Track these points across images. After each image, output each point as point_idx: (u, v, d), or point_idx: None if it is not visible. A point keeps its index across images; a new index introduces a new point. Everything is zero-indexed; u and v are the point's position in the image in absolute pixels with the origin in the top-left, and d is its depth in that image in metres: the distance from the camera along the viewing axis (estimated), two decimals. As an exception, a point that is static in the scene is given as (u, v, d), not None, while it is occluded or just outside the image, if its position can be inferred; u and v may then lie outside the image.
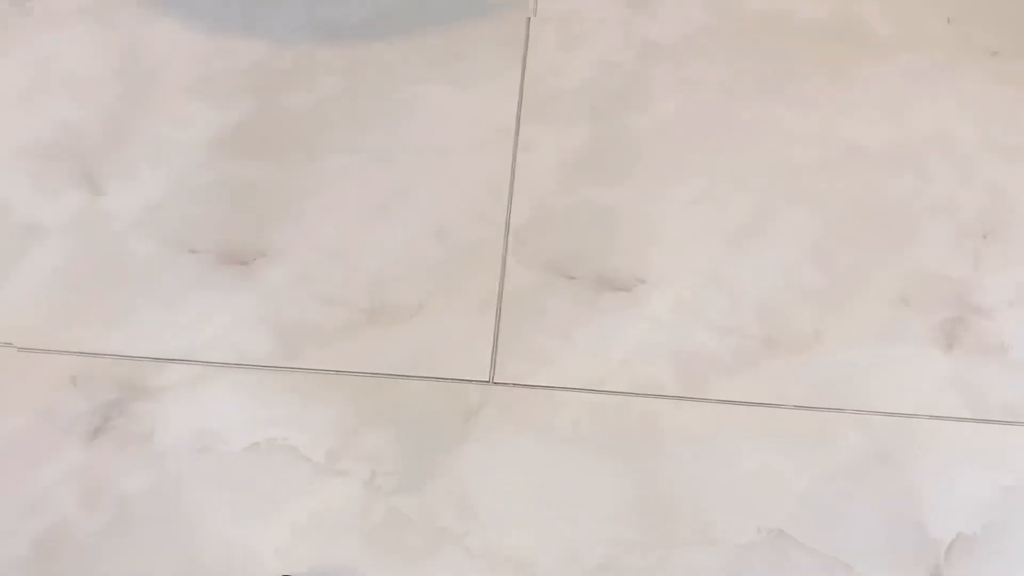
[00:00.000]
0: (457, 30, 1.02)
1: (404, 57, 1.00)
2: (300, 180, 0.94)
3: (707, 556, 0.77)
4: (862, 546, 0.77)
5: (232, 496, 0.80)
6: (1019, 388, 0.83)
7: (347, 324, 0.87)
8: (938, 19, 1.01)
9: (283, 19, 1.03)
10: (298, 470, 0.81)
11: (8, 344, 0.85)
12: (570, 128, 0.96)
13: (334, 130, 0.96)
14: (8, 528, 0.78)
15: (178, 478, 0.81)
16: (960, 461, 0.80)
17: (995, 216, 0.91)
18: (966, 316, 0.86)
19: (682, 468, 0.80)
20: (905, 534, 0.78)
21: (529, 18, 1.02)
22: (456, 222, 0.91)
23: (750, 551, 0.77)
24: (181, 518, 0.79)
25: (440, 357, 0.85)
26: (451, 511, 0.79)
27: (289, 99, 0.98)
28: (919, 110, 0.96)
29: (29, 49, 1.01)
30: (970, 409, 0.82)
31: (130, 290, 0.88)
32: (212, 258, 0.90)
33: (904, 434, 0.81)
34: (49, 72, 1.00)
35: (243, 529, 0.79)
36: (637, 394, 0.83)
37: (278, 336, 0.86)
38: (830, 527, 0.78)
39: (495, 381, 0.84)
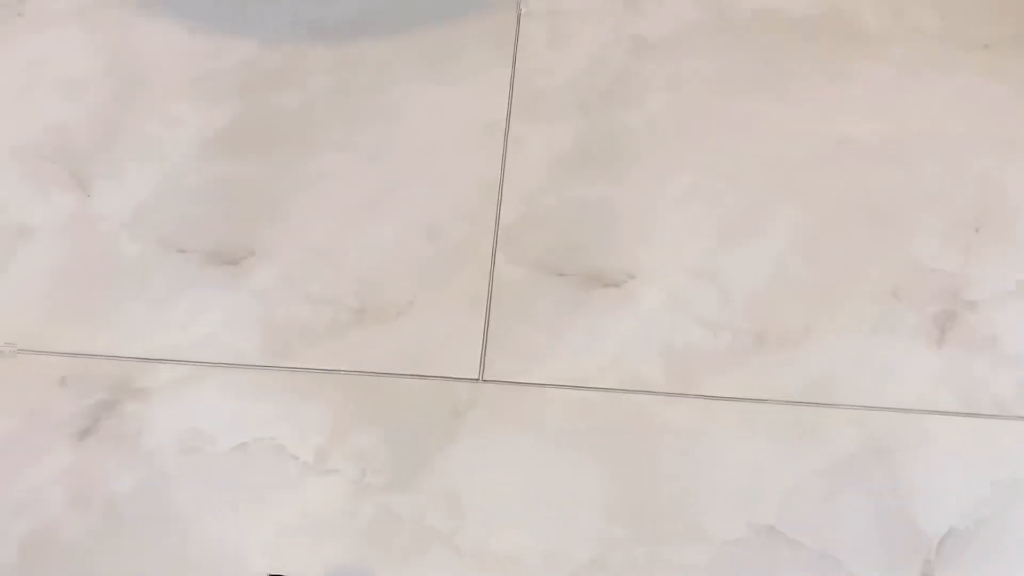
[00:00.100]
0: (447, 28, 1.01)
1: (393, 55, 1.00)
2: (289, 179, 0.93)
3: (697, 552, 0.77)
4: (853, 541, 0.77)
5: (221, 496, 0.80)
6: (1010, 382, 0.83)
7: (336, 323, 0.87)
8: (929, 13, 1.01)
9: (272, 18, 1.02)
10: (287, 469, 0.81)
11: (-4, 345, 0.86)
12: (560, 125, 0.96)
13: (324, 129, 0.96)
14: (-4, 529, 0.78)
15: (167, 478, 0.80)
16: (952, 455, 0.80)
17: (987, 210, 0.90)
18: (957, 310, 0.86)
19: (672, 464, 0.80)
20: (896, 529, 0.77)
21: (519, 15, 1.02)
22: (446, 220, 0.91)
23: (740, 547, 0.77)
24: (170, 518, 0.79)
25: (429, 355, 0.85)
26: (440, 509, 0.79)
27: (278, 98, 0.98)
28: (910, 104, 0.96)
29: (20, 50, 1.01)
30: (961, 403, 0.82)
31: (119, 290, 0.88)
32: (201, 258, 0.90)
33: (895, 429, 0.81)
34: (40, 73, 1.00)
35: (232, 529, 0.78)
36: (627, 391, 0.83)
37: (267, 335, 0.86)
38: (821, 523, 0.77)
39: (484, 379, 0.84)
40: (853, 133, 0.94)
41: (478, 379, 0.84)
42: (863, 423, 0.81)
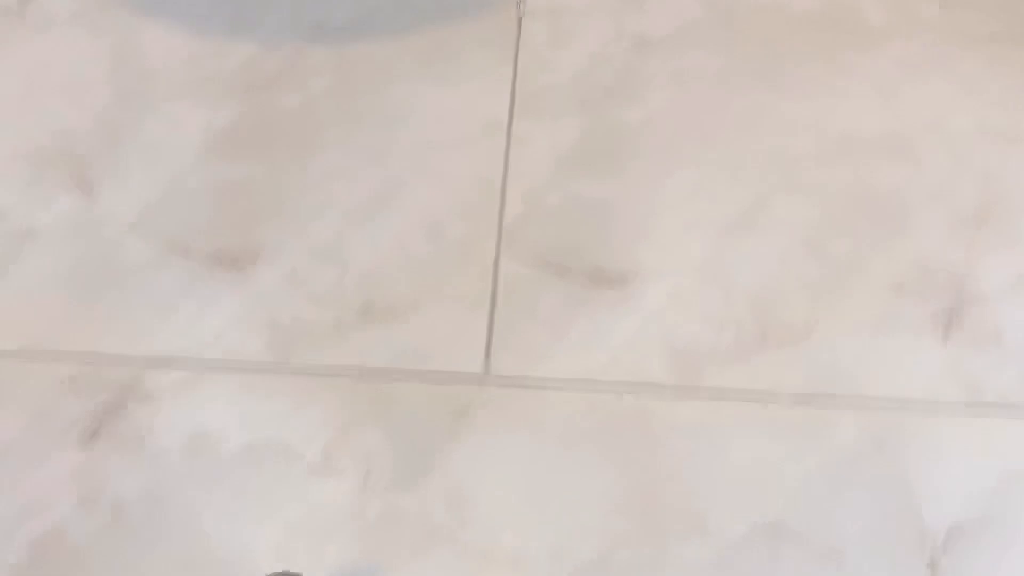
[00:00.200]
0: (447, 27, 1.02)
1: (394, 55, 1.00)
2: (292, 180, 0.94)
3: (701, 549, 0.77)
4: (858, 536, 0.77)
5: (228, 497, 0.80)
6: (1015, 375, 0.82)
7: (341, 323, 0.87)
8: (931, 6, 1.01)
9: (272, 20, 1.03)
10: (293, 470, 0.81)
11: (1, 349, 0.86)
12: (562, 123, 0.96)
13: (325, 129, 0.96)
14: (4, 531, 0.78)
15: (174, 479, 0.81)
16: (957, 450, 0.80)
17: (991, 203, 0.90)
18: (962, 304, 0.86)
19: (676, 461, 0.80)
20: (902, 524, 0.77)
21: (520, 14, 1.02)
22: (448, 219, 0.91)
23: (745, 543, 0.77)
24: (177, 519, 0.79)
25: (434, 354, 0.85)
26: (446, 507, 0.79)
27: (280, 99, 0.98)
28: (913, 97, 0.96)
29: (21, 54, 1.01)
30: (966, 397, 0.82)
31: (125, 292, 0.89)
32: (205, 259, 0.90)
33: (900, 423, 0.81)
34: (42, 76, 1.00)
35: (240, 529, 0.79)
36: (631, 387, 0.83)
37: (272, 336, 0.86)
38: (825, 518, 0.77)
39: (489, 378, 0.84)
40: (856, 128, 0.94)
41: (483, 378, 0.84)
42: (868, 418, 0.81)
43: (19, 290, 0.89)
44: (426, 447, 0.81)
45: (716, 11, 1.02)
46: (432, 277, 0.89)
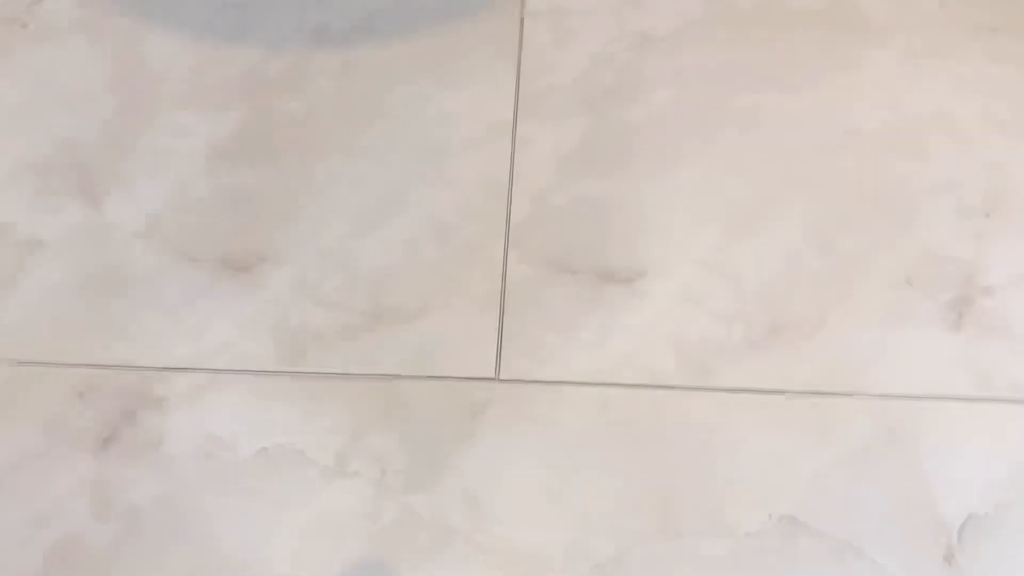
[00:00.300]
0: (449, 30, 1.02)
1: (397, 58, 1.00)
2: (298, 185, 0.94)
3: (718, 544, 0.77)
4: (874, 529, 0.77)
5: (242, 502, 0.80)
6: (1027, 365, 0.83)
7: (350, 327, 0.87)
8: (932, -1, 1.01)
9: (274, 25, 1.03)
10: (307, 474, 0.81)
11: (13, 359, 0.86)
12: (567, 123, 0.96)
13: (330, 134, 0.96)
14: (20, 540, 0.78)
15: (188, 486, 0.81)
16: (970, 441, 0.80)
17: (997, 194, 0.90)
18: (972, 295, 0.86)
19: (690, 457, 0.80)
20: (917, 516, 0.77)
21: (522, 15, 1.02)
22: (455, 221, 0.91)
23: (761, 538, 0.77)
24: (192, 526, 0.79)
25: (445, 356, 0.85)
26: (461, 508, 0.79)
27: (284, 104, 0.98)
28: (917, 91, 0.96)
29: (24, 65, 1.02)
30: (978, 388, 0.82)
31: (133, 301, 0.89)
32: (213, 266, 0.90)
33: (913, 416, 0.81)
34: (45, 86, 1.00)
35: (254, 534, 0.79)
36: (643, 385, 0.83)
37: (282, 341, 0.86)
38: (841, 511, 0.78)
39: (500, 378, 0.84)
40: (861, 122, 0.94)
41: (494, 378, 0.84)
42: (880, 411, 0.81)
43: (29, 301, 0.89)
44: (439, 449, 0.81)
45: (717, 8, 1.02)
46: (441, 279, 0.89)
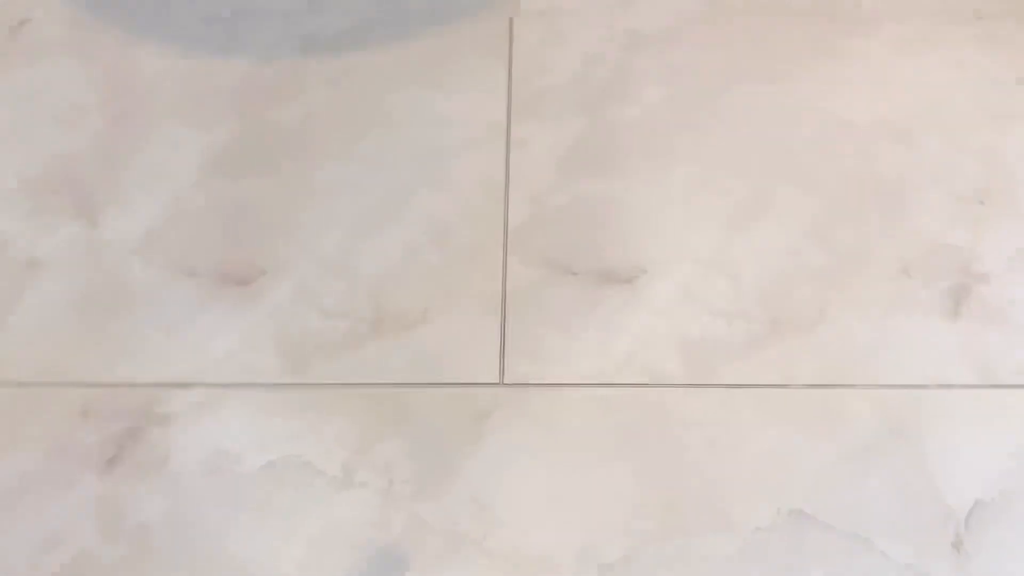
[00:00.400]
0: (440, 34, 1.02)
1: (388, 64, 1.00)
2: (294, 194, 0.94)
3: (726, 541, 0.77)
4: (882, 521, 0.77)
5: (251, 515, 0.80)
6: (1026, 351, 0.83)
7: (353, 335, 0.87)
8: (920, -12, 1.01)
9: (264, 35, 1.02)
10: (315, 485, 0.81)
11: (14, 381, 0.86)
12: (561, 123, 0.96)
13: (324, 142, 0.96)
14: (29, 564, 0.78)
15: (196, 501, 0.81)
16: (973, 428, 0.80)
17: (990, 180, 0.91)
18: (969, 283, 0.86)
19: (696, 455, 0.81)
20: (923, 505, 0.78)
21: (511, 17, 1.02)
22: (454, 225, 0.91)
23: (769, 533, 0.77)
24: (201, 541, 0.79)
25: (448, 362, 0.85)
26: (470, 514, 0.79)
27: (277, 114, 0.98)
28: (907, 80, 0.96)
29: (14, 82, 1.01)
30: (980, 376, 0.82)
31: (134, 317, 0.88)
32: (213, 280, 0.90)
33: (915, 405, 0.81)
34: (37, 104, 1.00)
35: (264, 547, 0.79)
36: (646, 385, 0.83)
37: (285, 352, 0.86)
38: (848, 504, 0.78)
39: (505, 382, 0.84)
40: (853, 113, 0.95)
41: (498, 383, 0.84)
42: (883, 402, 0.82)
43: (28, 321, 0.88)
44: (446, 455, 0.82)
45: (707, 4, 1.02)
46: (442, 284, 0.89)
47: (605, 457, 0.81)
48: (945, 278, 0.86)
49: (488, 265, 0.89)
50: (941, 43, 0.98)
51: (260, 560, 0.78)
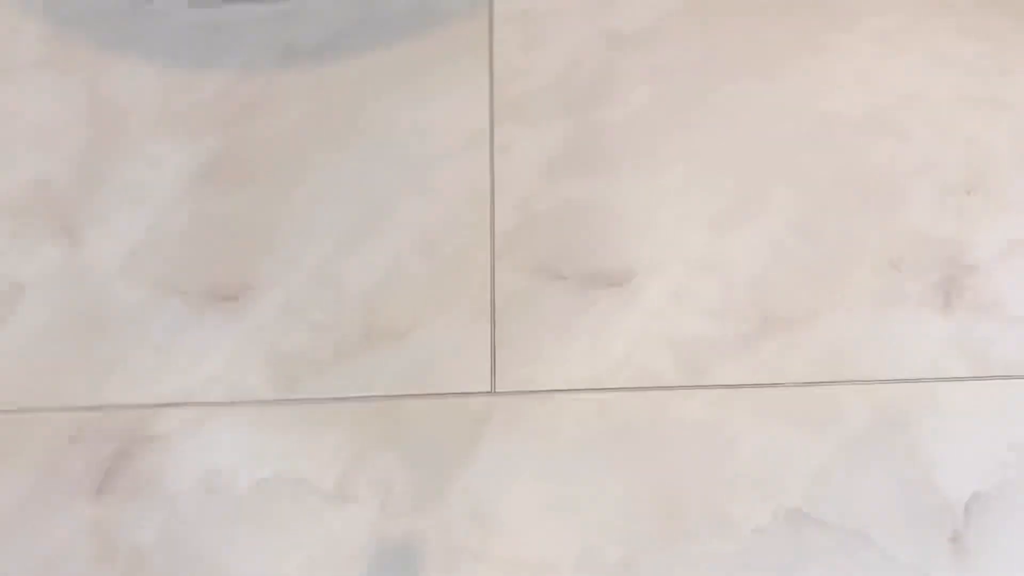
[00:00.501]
0: (419, 41, 1.01)
1: (368, 73, 0.99)
2: (279, 208, 0.93)
3: (725, 543, 0.77)
4: (880, 516, 0.77)
5: (246, 534, 0.79)
6: (1018, 342, 0.83)
7: (342, 349, 0.86)
8: (899, -22, 1.01)
9: (241, 47, 1.01)
10: (310, 501, 0.80)
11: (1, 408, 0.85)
12: (545, 127, 0.96)
13: (307, 154, 0.95)
14: (24, 594, 0.78)
15: (189, 522, 0.80)
16: (968, 421, 0.80)
17: (977, 171, 0.91)
18: (958, 275, 0.86)
19: (691, 457, 0.80)
20: (921, 499, 0.78)
21: (490, 21, 1.01)
22: (440, 234, 0.91)
23: (767, 533, 0.77)
24: (197, 562, 0.79)
25: (440, 373, 0.85)
26: (468, 525, 0.79)
27: (258, 127, 0.97)
28: (891, 73, 0.96)
29: (-10, 104, 1.00)
30: (972, 368, 0.82)
31: (120, 339, 0.87)
32: (199, 297, 0.89)
33: (910, 399, 0.81)
34: (11, 125, 0.98)
35: (261, 566, 0.78)
36: (640, 388, 0.83)
37: (274, 369, 0.86)
38: (845, 501, 0.78)
39: (497, 391, 0.84)
40: (838, 107, 0.94)
41: (491, 391, 0.84)
42: (877, 397, 0.82)
43: (13, 345, 0.87)
44: (441, 466, 0.81)
45: (689, 2, 1.02)
46: (430, 293, 0.88)
47: (601, 461, 0.81)
48: (934, 270, 0.86)
49: (476, 273, 0.89)
50: (924, 35, 0.98)
51: (257, 579, 0.78)
